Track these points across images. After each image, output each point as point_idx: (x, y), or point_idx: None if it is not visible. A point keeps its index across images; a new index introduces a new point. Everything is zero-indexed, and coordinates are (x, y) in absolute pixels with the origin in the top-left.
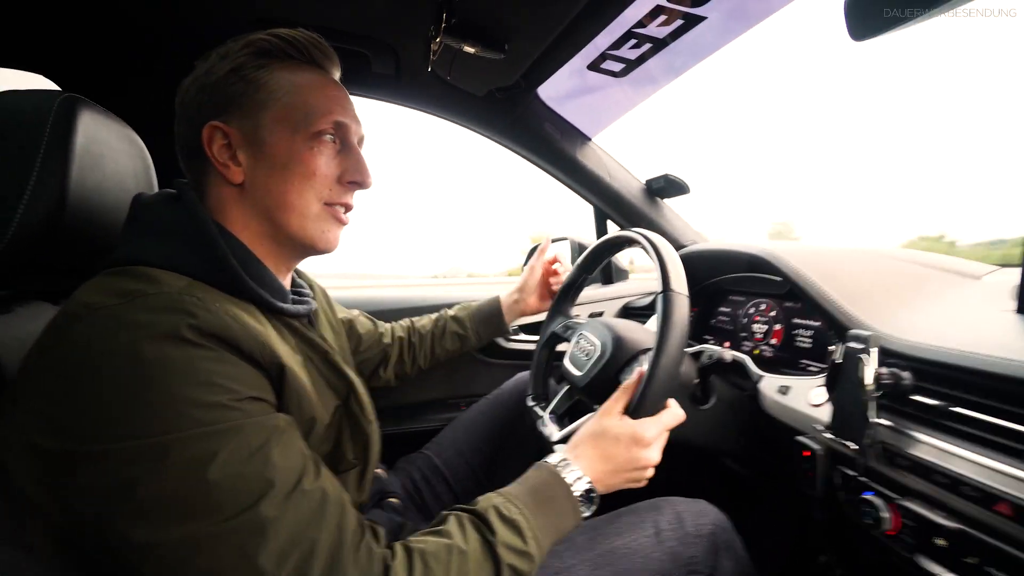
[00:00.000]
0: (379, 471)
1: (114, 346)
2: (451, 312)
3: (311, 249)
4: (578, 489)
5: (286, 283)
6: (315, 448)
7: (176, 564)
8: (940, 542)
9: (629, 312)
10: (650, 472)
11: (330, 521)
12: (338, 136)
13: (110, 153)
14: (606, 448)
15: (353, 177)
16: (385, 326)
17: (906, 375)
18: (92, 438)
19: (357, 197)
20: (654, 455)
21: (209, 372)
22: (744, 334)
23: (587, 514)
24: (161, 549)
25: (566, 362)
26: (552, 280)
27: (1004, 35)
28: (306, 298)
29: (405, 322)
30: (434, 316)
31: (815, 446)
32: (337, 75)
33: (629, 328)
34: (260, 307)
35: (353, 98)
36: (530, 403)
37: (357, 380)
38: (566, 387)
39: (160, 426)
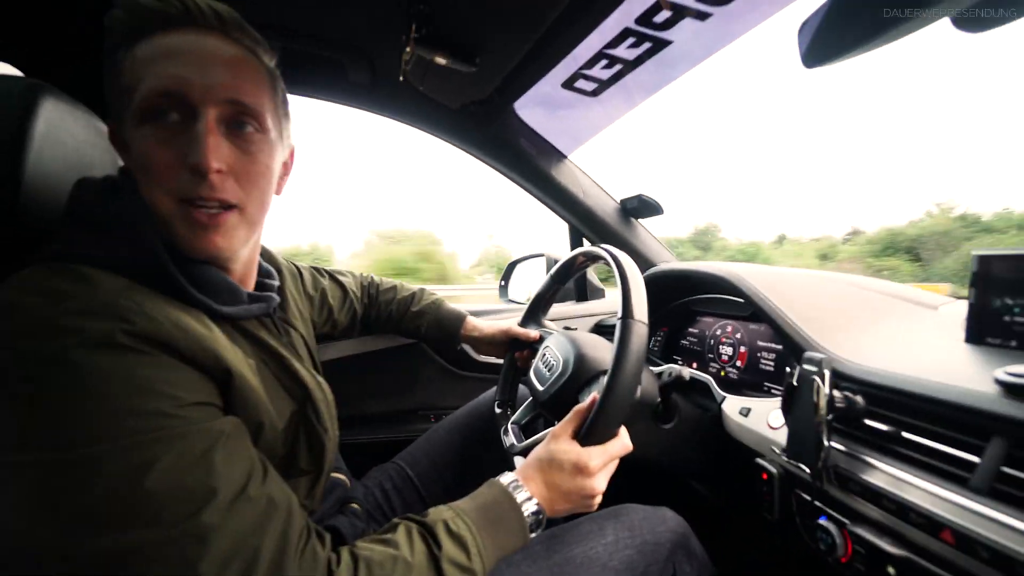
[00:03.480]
0: (343, 477)
1: (40, 352)
2: (416, 308)
3: (190, 257)
4: (527, 510)
5: (247, 278)
6: (266, 452)
7: (121, 571)
8: (891, 571)
9: (602, 330)
10: (598, 500)
11: (275, 527)
12: (178, 108)
13: (72, 141)
14: (551, 475)
15: (190, 159)
16: (350, 288)
17: (859, 399)
18: (18, 447)
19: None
20: (599, 484)
21: (148, 378)
22: (711, 355)
23: (533, 535)
24: (95, 559)
25: (531, 374)
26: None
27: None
28: (268, 293)
29: (366, 280)
30: (400, 296)
31: (772, 469)
32: (211, 29)
33: (593, 345)
34: (207, 312)
35: (329, 105)
36: (496, 410)
37: (315, 385)
38: (530, 399)
39: (92, 435)
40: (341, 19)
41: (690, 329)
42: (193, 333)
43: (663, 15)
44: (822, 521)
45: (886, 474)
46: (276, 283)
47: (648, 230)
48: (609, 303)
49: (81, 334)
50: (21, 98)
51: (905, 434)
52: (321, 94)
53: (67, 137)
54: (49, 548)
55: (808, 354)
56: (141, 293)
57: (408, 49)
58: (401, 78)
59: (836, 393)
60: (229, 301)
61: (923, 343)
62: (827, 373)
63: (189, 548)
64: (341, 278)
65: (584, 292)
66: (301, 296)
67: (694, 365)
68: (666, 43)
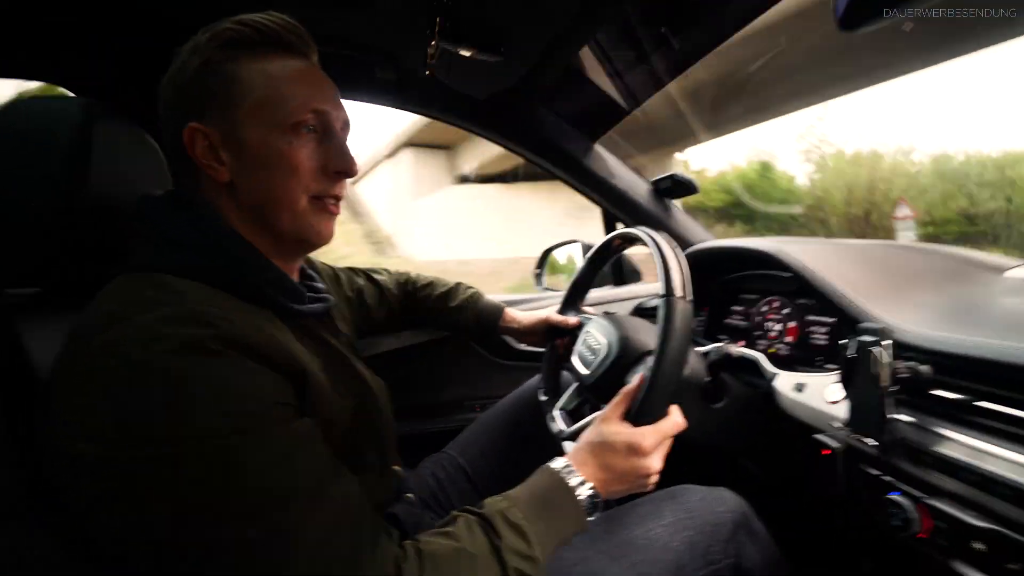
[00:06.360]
0: (397, 469)
1: (140, 357)
2: (454, 303)
3: (306, 244)
4: (582, 494)
5: (295, 277)
6: (334, 449)
7: (211, 562)
8: (978, 546)
9: (641, 312)
10: (654, 479)
11: (350, 523)
12: (319, 125)
13: (124, 154)
14: (604, 457)
15: (338, 167)
16: (386, 286)
17: (924, 368)
18: (125, 446)
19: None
20: (654, 463)
21: (234, 382)
22: (758, 332)
23: (591, 519)
24: (198, 548)
25: (574, 359)
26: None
27: None
28: (322, 294)
29: (402, 278)
30: (437, 292)
31: (834, 444)
32: (314, 59)
33: (636, 327)
34: (279, 313)
35: (357, 104)
36: (541, 397)
37: (373, 381)
38: (575, 384)
39: (190, 434)
40: (366, 21)
41: (734, 307)
42: (271, 336)
43: None
44: (894, 496)
45: (963, 445)
46: (323, 286)
47: (683, 210)
48: (648, 286)
49: (175, 340)
50: (79, 117)
51: (979, 403)
52: (348, 94)
53: (118, 150)
54: (162, 534)
55: (864, 324)
56: (222, 298)
57: (433, 43)
58: (427, 72)
59: (899, 363)
60: (296, 300)
61: (987, 307)
62: (887, 344)
63: (277, 543)
64: (377, 277)
65: (621, 275)
66: (340, 298)
67: (742, 343)
68: None
